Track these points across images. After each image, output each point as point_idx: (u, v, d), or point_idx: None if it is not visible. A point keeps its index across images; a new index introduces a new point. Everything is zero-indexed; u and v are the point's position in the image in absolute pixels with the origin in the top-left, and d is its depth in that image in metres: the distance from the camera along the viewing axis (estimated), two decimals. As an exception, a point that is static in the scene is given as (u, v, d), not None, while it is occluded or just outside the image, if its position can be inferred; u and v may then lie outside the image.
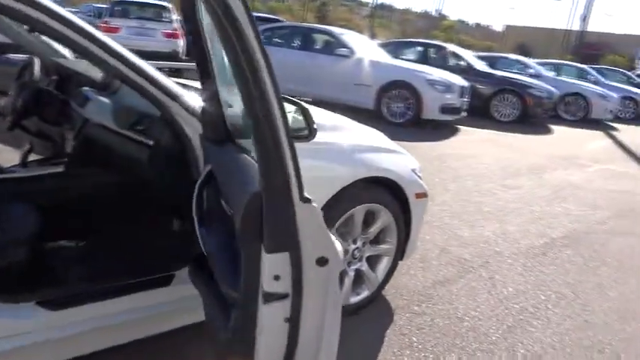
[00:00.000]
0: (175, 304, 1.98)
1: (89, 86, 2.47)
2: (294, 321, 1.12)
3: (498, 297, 3.03)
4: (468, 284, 3.15)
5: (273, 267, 1.11)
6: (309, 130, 1.67)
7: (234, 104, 1.64)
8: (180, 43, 12.19)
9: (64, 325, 1.78)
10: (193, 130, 1.87)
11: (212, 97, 1.64)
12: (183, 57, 12.23)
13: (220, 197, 1.59)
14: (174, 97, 1.82)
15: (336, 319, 1.15)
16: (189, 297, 1.98)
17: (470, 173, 5.98)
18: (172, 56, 11.06)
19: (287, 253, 1.11)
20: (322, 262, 1.12)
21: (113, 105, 2.21)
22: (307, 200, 1.15)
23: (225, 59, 1.40)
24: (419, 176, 2.72)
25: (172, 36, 11.87)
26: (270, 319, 1.12)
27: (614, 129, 12.41)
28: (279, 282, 1.10)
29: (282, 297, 1.10)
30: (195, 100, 1.89)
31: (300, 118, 1.75)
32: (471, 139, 8.38)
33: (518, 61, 14.34)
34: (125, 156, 2.14)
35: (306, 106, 1.70)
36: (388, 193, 2.56)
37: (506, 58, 14.78)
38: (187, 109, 1.85)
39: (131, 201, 2.18)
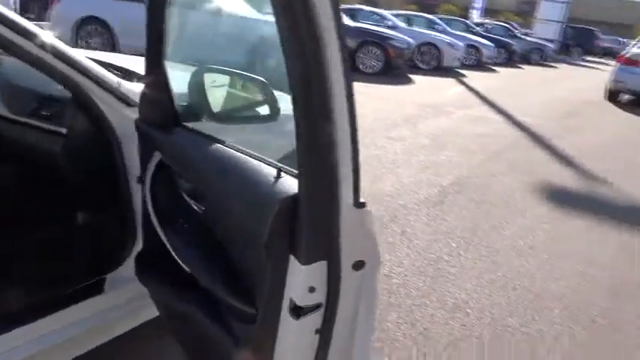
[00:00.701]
0: (115, 310, 1.75)
1: None
2: (325, 332, 0.99)
3: (415, 249, 3.16)
4: (386, 240, 3.23)
5: (309, 279, 0.95)
6: (271, 108, 1.47)
7: (184, 82, 1.42)
8: (12, -2, 10.62)
9: None
10: (111, 110, 1.60)
11: (158, 74, 1.39)
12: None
13: (179, 190, 1.39)
14: (90, 75, 1.53)
15: (371, 323, 1.04)
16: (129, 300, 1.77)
17: (354, 128, 6.08)
18: (4, 14, 9.59)
19: (325, 262, 0.96)
20: (358, 265, 0.98)
21: (-3, 85, 1.82)
22: (362, 205, 0.99)
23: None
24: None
25: (1, -10, 10.28)
26: (300, 333, 0.98)
27: (463, 75, 13.44)
28: (314, 294, 0.96)
29: (314, 308, 0.97)
30: (114, 78, 1.62)
31: (258, 95, 1.57)
32: (345, 93, 8.51)
33: (375, 13, 14.78)
34: (25, 147, 1.78)
35: (262, 79, 1.51)
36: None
37: (363, 10, 15.14)
38: (107, 88, 1.57)
39: (39, 199, 1.84)
